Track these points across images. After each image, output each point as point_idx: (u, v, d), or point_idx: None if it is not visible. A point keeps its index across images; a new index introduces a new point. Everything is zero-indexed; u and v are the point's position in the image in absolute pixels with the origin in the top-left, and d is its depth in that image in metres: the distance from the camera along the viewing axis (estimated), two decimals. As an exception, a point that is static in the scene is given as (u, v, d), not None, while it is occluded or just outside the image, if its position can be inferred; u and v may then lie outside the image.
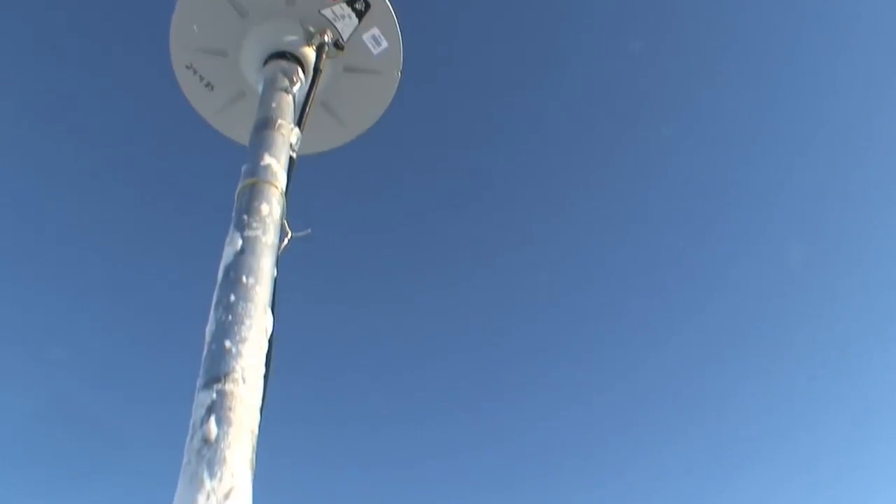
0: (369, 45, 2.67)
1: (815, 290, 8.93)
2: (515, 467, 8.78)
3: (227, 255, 1.89)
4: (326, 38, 2.56)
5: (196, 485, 1.40)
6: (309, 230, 2.11)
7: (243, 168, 2.13)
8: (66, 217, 7.42)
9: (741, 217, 8.57)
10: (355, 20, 2.61)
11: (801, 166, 8.35)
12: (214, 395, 1.56)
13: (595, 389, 8.88)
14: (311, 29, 2.57)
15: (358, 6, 2.60)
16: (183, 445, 1.53)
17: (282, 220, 2.05)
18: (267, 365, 1.72)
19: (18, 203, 7.10)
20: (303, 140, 2.32)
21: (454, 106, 7.89)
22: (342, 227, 7.50)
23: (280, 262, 1.99)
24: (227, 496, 1.40)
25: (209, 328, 1.73)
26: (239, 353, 1.65)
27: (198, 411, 1.55)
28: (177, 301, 7.56)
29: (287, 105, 2.36)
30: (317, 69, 2.50)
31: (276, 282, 1.92)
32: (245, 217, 1.96)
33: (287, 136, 2.25)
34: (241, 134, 2.64)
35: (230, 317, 1.72)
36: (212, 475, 1.42)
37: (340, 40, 2.61)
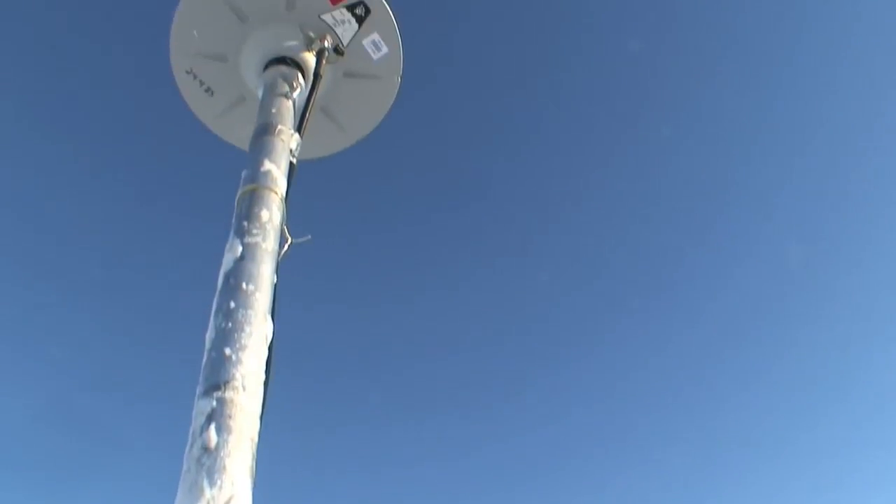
0: (369, 51, 2.67)
1: (816, 291, 8.95)
2: (516, 469, 8.80)
3: (227, 261, 1.88)
4: (326, 44, 2.56)
5: (196, 493, 1.40)
6: (309, 236, 2.11)
7: (243, 174, 2.13)
8: (68, 218, 7.43)
9: (741, 217, 8.58)
10: (355, 25, 2.62)
11: (801, 166, 8.36)
12: (214, 403, 1.55)
13: (595, 390, 8.90)
14: (312, 34, 2.57)
15: (358, 11, 2.60)
16: (180, 447, 1.53)
17: (282, 225, 2.05)
18: (267, 372, 1.72)
19: (20, 204, 7.12)
20: (303, 145, 2.32)
21: (453, 106, 7.90)
22: (342, 229, 7.52)
23: (280, 267, 1.99)
24: (226, 504, 1.40)
25: (209, 335, 1.73)
26: (239, 361, 1.64)
27: (197, 419, 1.54)
28: (175, 302, 7.58)
29: (287, 110, 2.36)
30: (317, 74, 2.50)
31: (276, 288, 1.92)
32: (245, 223, 1.95)
33: (287, 141, 2.25)
34: (240, 138, 2.65)
35: (230, 324, 1.72)
36: (212, 483, 1.42)
37: (340, 45, 2.61)
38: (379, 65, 2.72)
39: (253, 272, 1.85)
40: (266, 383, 1.71)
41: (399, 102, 2.84)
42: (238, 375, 1.62)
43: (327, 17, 2.60)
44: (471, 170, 8.28)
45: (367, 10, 2.61)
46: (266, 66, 2.52)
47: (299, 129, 2.35)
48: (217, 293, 1.82)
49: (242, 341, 1.69)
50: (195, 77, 2.72)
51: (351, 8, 2.59)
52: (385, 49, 2.68)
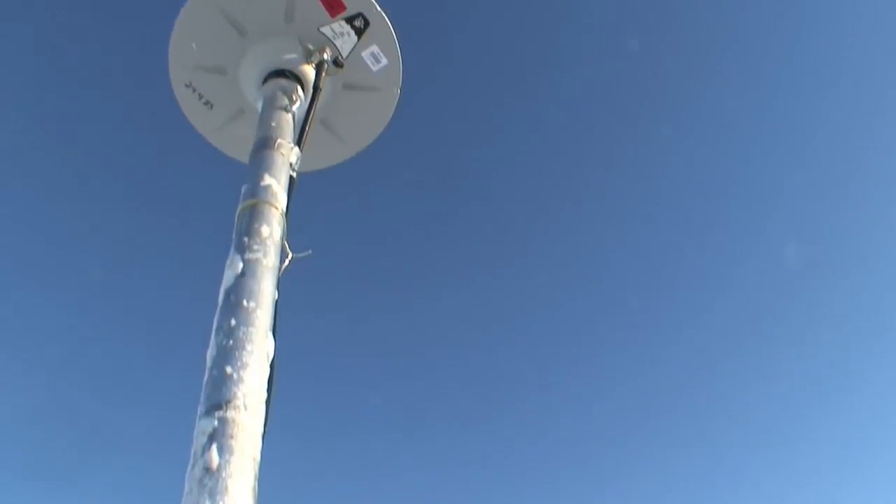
0: (369, 63, 2.67)
1: (817, 291, 8.95)
2: (517, 472, 8.80)
3: (228, 278, 1.87)
4: (326, 56, 2.55)
5: (198, 515, 1.41)
6: (310, 251, 2.10)
7: (243, 189, 2.12)
8: (68, 225, 7.45)
9: (741, 217, 8.58)
10: (354, 38, 2.62)
11: (801, 166, 8.35)
12: (216, 423, 1.55)
13: (594, 391, 8.90)
14: (311, 47, 2.57)
15: (357, 24, 2.60)
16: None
17: (282, 241, 2.05)
18: (268, 390, 1.72)
19: (20, 209, 7.14)
20: (302, 157, 2.32)
21: (453, 107, 7.90)
22: (342, 238, 7.53)
23: (281, 282, 1.99)
24: (229, 526, 1.41)
25: (210, 353, 1.72)
26: (240, 379, 1.64)
27: (199, 439, 1.54)
28: (175, 304, 7.60)
29: (287, 124, 2.35)
30: (316, 87, 2.49)
31: (277, 304, 1.92)
32: (245, 239, 1.94)
33: (287, 155, 2.24)
34: (240, 151, 2.65)
35: (231, 342, 1.71)
36: (214, 505, 1.43)
37: (340, 58, 2.61)
38: (378, 76, 2.72)
39: (254, 289, 1.84)
40: (268, 402, 1.70)
41: (399, 112, 2.85)
42: (240, 394, 1.61)
43: (326, 30, 2.60)
44: (471, 172, 8.30)
45: (367, 23, 2.61)
46: (265, 79, 2.52)
47: (299, 142, 2.35)
48: (218, 310, 1.82)
49: (244, 359, 1.68)
50: (194, 90, 2.72)
51: (350, 20, 2.59)
52: (384, 61, 2.68)
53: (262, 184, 2.10)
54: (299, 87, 2.49)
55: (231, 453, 1.51)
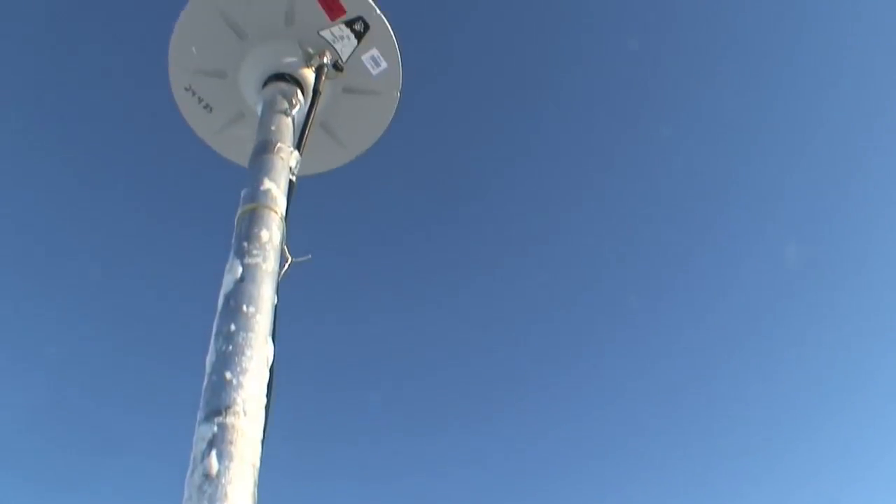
0: (368, 66, 2.67)
1: (818, 291, 8.94)
2: (517, 474, 8.80)
3: (227, 282, 1.87)
4: (325, 60, 2.55)
5: (197, 522, 1.41)
6: (309, 255, 2.10)
7: (243, 193, 2.12)
8: (69, 227, 7.46)
9: (741, 217, 8.58)
10: (354, 41, 2.62)
11: (801, 166, 8.35)
12: (215, 429, 1.54)
13: (594, 392, 8.90)
14: (311, 50, 2.56)
15: (357, 27, 2.60)
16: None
17: (282, 245, 2.04)
18: (268, 396, 1.71)
19: (20, 210, 7.15)
20: (302, 161, 2.32)
21: (453, 107, 7.89)
22: (342, 241, 7.54)
23: (280, 287, 1.99)
24: (229, 533, 1.41)
25: (209, 358, 1.72)
26: (240, 385, 1.63)
27: (198, 445, 1.53)
28: (174, 308, 7.60)
29: (286, 128, 2.35)
30: (316, 91, 2.49)
31: (276, 309, 1.92)
32: (245, 244, 1.94)
33: (286, 159, 2.24)
34: (239, 155, 2.65)
35: (230, 347, 1.70)
36: (213, 512, 1.42)
37: (340, 61, 2.61)
38: (378, 80, 2.72)
39: (253, 294, 1.84)
40: (267, 407, 1.70)
41: (398, 115, 2.85)
42: (239, 400, 1.61)
43: (326, 34, 2.59)
44: (471, 173, 8.30)
45: (366, 26, 2.60)
46: (265, 83, 2.52)
47: (299, 146, 2.34)
48: (217, 315, 1.81)
49: (243, 365, 1.68)
50: (194, 94, 2.71)
51: (350, 24, 2.59)
52: (384, 64, 2.68)
53: (262, 188, 2.10)
54: (299, 91, 2.49)
55: (230, 459, 1.51)
